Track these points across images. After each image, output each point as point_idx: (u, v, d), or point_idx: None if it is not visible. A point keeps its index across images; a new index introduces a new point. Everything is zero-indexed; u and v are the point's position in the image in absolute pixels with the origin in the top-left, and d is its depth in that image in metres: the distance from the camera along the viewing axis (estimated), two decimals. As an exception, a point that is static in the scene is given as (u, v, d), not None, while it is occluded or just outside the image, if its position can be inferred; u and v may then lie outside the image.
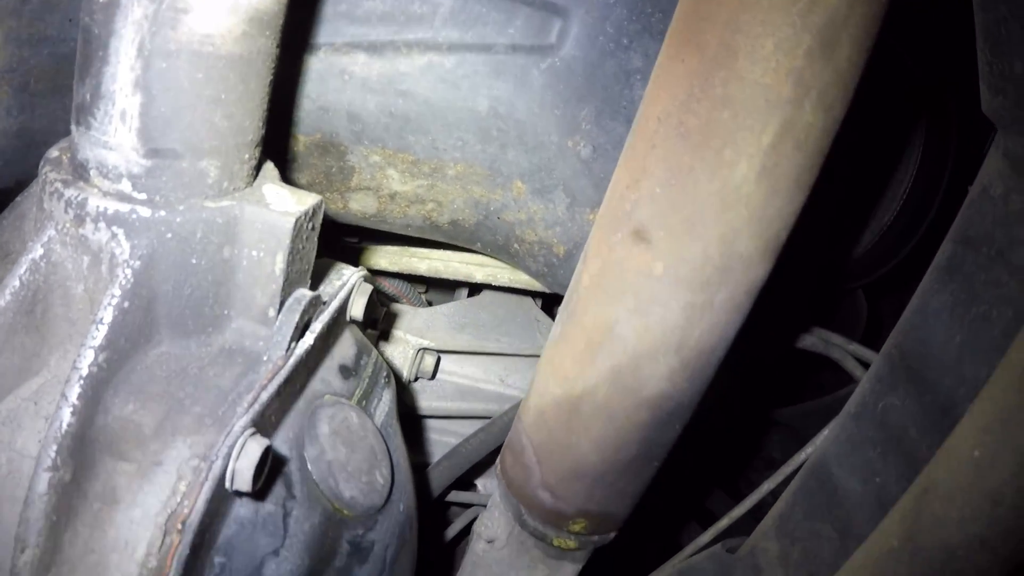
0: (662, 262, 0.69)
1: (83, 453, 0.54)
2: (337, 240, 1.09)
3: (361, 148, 0.85)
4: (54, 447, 0.52)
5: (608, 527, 0.84)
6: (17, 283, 0.56)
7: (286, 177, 0.89)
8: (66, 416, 0.53)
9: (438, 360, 1.08)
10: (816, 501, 0.86)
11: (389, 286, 1.18)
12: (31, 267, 0.57)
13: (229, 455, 0.58)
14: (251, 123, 0.63)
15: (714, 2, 0.65)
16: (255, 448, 0.59)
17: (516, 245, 0.94)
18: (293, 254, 0.66)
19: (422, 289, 1.27)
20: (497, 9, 0.80)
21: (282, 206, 0.65)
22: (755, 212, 0.67)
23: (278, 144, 0.85)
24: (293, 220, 0.64)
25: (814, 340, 1.15)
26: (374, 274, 1.16)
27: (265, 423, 0.64)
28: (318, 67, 0.80)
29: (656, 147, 0.69)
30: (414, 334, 1.04)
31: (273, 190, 0.67)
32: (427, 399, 1.08)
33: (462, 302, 1.17)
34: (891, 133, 1.17)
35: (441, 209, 0.93)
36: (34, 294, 0.57)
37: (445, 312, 1.12)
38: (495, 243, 0.96)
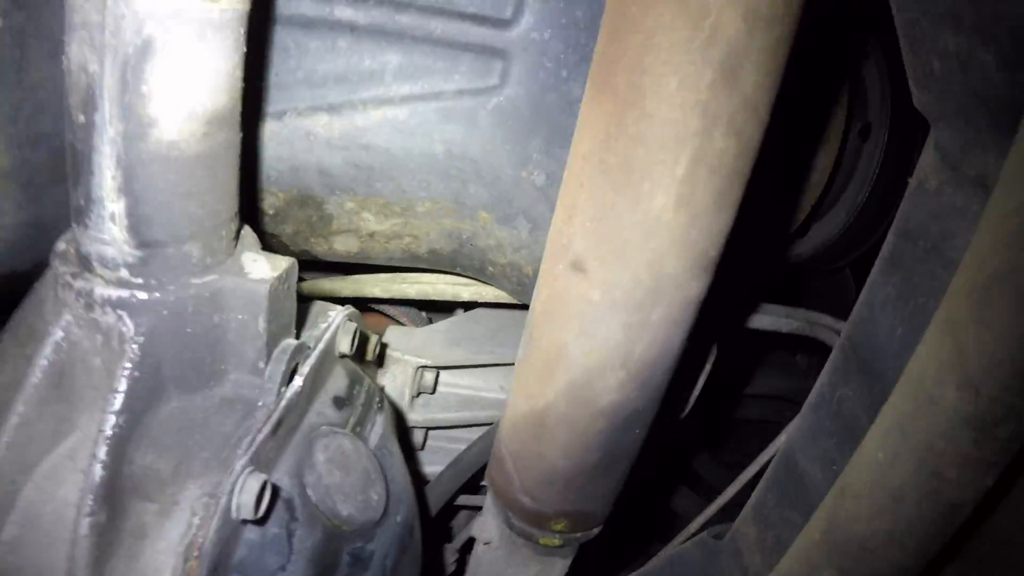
0: (598, 289, 0.81)
1: (114, 499, 0.71)
2: (335, 272, 1.24)
3: (335, 198, 1.00)
4: (91, 496, 0.68)
5: (588, 525, 0.98)
6: (45, 362, 0.72)
7: (273, 229, 1.04)
8: (97, 471, 0.70)
9: (437, 375, 1.23)
10: (785, 489, 0.98)
11: (392, 310, 1.32)
12: (55, 348, 0.73)
13: (232, 491, 0.74)
14: (224, 205, 0.78)
15: (621, 46, 0.76)
16: (254, 483, 0.75)
17: (490, 268, 1.08)
18: (272, 313, 0.81)
19: (424, 313, 1.42)
20: (441, 59, 0.92)
21: (259, 273, 0.80)
22: (677, 237, 0.78)
23: (259, 202, 1.00)
24: (267, 287, 0.78)
25: (800, 323, 1.25)
26: (373, 302, 1.31)
27: (264, 459, 0.80)
28: (285, 132, 0.94)
29: (583, 185, 0.81)
30: (412, 354, 1.19)
31: (250, 258, 0.82)
32: (432, 412, 1.23)
33: (456, 318, 1.31)
34: (858, 115, 1.26)
35: (418, 242, 1.07)
36: (60, 369, 0.73)
37: (440, 329, 1.26)
38: (472, 266, 1.10)
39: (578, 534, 0.97)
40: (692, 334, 0.88)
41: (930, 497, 0.64)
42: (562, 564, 1.03)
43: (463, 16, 0.90)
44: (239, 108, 0.76)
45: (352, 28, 0.89)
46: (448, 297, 1.20)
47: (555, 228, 0.85)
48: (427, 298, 1.20)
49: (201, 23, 0.67)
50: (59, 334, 0.74)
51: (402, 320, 1.36)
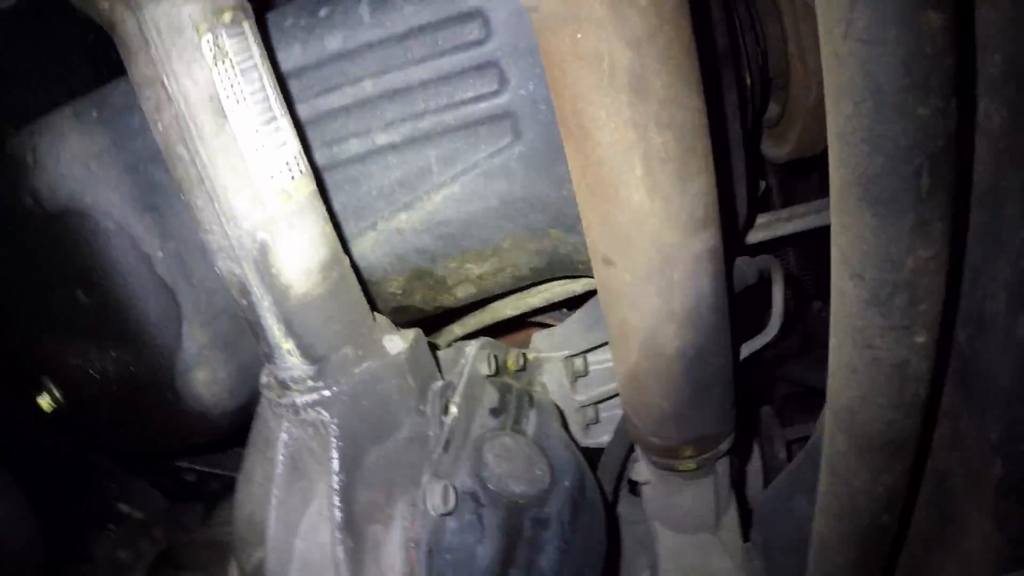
0: (628, 273, 1.14)
1: (353, 528, 1.17)
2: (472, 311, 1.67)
3: (439, 264, 1.41)
4: (338, 531, 1.15)
5: (713, 444, 1.30)
6: (282, 458, 1.20)
7: (406, 303, 1.48)
8: (337, 514, 1.16)
9: (584, 358, 1.60)
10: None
11: (540, 319, 1.73)
12: (285, 446, 1.21)
13: (425, 497, 1.18)
14: (356, 314, 1.21)
15: (562, 101, 1.06)
16: (438, 487, 1.17)
17: (580, 265, 1.43)
18: (415, 370, 1.24)
19: (564, 309, 1.81)
20: (465, 139, 1.29)
21: (396, 348, 1.23)
22: (660, 216, 1.09)
23: (387, 291, 1.44)
24: (405, 356, 1.21)
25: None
26: (527, 316, 1.72)
27: (444, 470, 1.22)
28: (382, 236, 1.37)
29: (585, 203, 1.14)
30: (556, 350, 1.57)
31: (388, 339, 1.25)
32: (591, 390, 1.61)
33: (584, 307, 1.67)
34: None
35: (517, 268, 1.45)
36: (293, 460, 1.21)
37: (575, 320, 1.63)
38: (567, 269, 1.46)
39: (707, 454, 1.30)
40: (724, 273, 1.18)
41: (872, 363, 0.90)
42: (707, 483, 1.36)
43: (465, 102, 1.27)
44: (339, 248, 1.18)
45: (393, 147, 1.30)
46: (566, 295, 1.57)
47: (586, 236, 1.20)
48: (549, 302, 1.58)
49: (289, 215, 1.10)
50: (284, 436, 1.22)
51: (549, 323, 1.75)
